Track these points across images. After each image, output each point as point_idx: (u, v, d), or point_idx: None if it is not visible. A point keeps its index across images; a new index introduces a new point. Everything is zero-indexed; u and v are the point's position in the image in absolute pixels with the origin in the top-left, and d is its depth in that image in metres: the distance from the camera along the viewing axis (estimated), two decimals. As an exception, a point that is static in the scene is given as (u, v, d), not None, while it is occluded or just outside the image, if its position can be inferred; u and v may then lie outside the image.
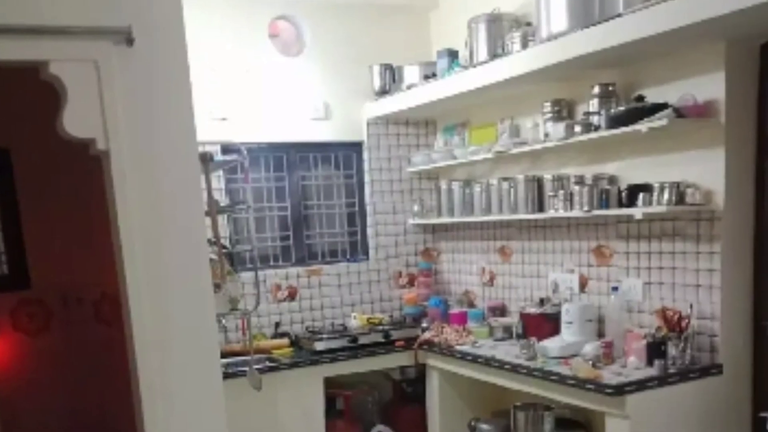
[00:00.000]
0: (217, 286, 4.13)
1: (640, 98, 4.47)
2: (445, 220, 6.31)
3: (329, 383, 5.64)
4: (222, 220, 5.60)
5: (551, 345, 4.88)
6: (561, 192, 5.03)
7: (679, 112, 4.19)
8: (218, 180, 5.75)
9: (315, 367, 5.52)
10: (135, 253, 3.20)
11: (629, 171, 4.78)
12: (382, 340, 5.84)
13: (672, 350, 4.30)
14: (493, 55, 5.23)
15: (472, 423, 5.48)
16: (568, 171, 5.19)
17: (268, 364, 5.44)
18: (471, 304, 6.36)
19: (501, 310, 6.00)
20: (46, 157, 4.53)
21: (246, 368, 4.90)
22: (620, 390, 4.10)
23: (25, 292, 4.82)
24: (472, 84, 5.37)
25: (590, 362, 4.50)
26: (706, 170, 4.28)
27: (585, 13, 4.41)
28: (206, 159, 4.24)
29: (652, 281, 4.72)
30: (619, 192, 4.67)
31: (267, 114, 6.05)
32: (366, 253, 6.60)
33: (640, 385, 4.15)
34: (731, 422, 4.40)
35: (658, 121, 4.17)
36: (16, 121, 4.47)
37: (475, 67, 5.36)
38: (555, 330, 5.10)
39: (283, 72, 6.08)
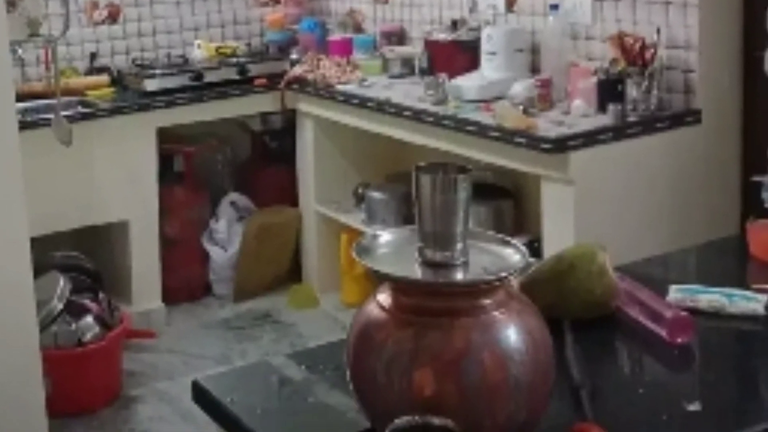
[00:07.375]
0: (10, 4, 4.14)
1: None
2: None
3: (164, 136, 5.64)
4: None
5: (467, 84, 4.86)
6: None
7: None
8: None
9: (145, 113, 5.51)
10: None
11: None
12: (237, 77, 5.85)
13: (632, 91, 4.29)
14: None
15: (360, 190, 5.61)
16: None
17: (80, 109, 5.45)
18: (358, 29, 6.31)
19: (398, 37, 5.98)
20: None
21: (51, 115, 4.88)
22: (561, 145, 4.09)
23: None
24: None
25: (521, 107, 4.47)
26: None
27: None
28: None
29: (605, -4, 4.71)
30: None
31: None
32: (212, -46, 6.49)
33: (589, 138, 4.14)
34: (713, 187, 4.43)
35: None
36: None
37: None
38: (473, 64, 5.07)
39: None
